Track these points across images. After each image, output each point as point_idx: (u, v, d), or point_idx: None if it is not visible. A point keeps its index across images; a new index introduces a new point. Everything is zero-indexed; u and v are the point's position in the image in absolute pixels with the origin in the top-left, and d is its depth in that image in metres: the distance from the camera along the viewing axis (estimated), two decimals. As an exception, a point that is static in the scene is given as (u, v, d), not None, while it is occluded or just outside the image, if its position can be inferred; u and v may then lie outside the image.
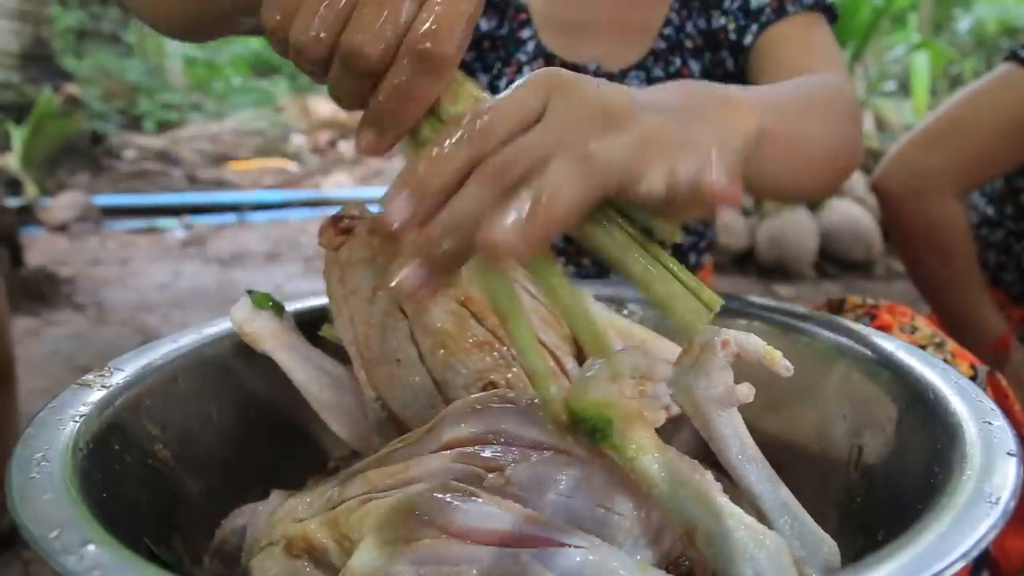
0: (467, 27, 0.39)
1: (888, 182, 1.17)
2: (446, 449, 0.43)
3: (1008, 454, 0.40)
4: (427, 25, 0.37)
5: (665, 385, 0.57)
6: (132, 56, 8.16)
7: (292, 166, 6.18)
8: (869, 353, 0.55)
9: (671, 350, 0.63)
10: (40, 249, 3.61)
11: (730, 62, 0.91)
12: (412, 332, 0.54)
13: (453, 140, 0.37)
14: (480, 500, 0.37)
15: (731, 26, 0.89)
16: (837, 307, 0.79)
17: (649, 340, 0.64)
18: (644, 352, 0.44)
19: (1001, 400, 0.69)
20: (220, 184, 5.54)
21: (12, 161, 4.57)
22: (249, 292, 0.61)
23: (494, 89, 0.92)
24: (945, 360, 0.69)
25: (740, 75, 0.91)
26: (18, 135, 4.55)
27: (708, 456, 0.63)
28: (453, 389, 0.55)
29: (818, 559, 0.42)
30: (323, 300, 0.61)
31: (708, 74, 0.92)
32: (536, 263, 0.40)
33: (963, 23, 7.43)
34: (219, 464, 0.59)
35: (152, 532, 0.46)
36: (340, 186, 5.43)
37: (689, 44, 0.92)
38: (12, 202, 3.90)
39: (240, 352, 0.61)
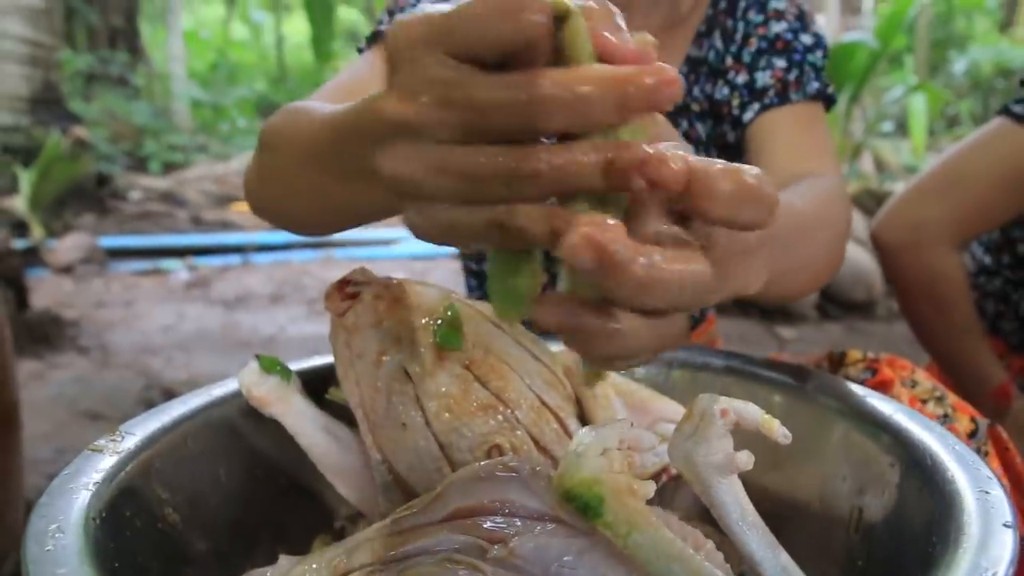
0: None
1: (886, 233, 1.19)
2: (452, 519, 0.43)
3: (1004, 525, 0.41)
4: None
5: (652, 455, 0.58)
6: (139, 99, 8.28)
7: (296, 207, 6.21)
8: (869, 415, 0.56)
9: (672, 409, 0.64)
10: (45, 291, 3.64)
11: (731, 135, 0.93)
12: (417, 396, 0.55)
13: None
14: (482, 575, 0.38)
15: (735, 101, 0.91)
16: (838, 361, 0.80)
17: (649, 399, 0.65)
18: (630, 423, 0.45)
19: (1002, 453, 0.69)
20: (225, 225, 5.59)
21: (20, 203, 4.62)
22: (257, 356, 0.62)
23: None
24: (945, 414, 0.70)
25: (738, 149, 0.93)
26: (26, 178, 4.60)
27: (709, 516, 0.64)
28: (458, 452, 0.56)
29: None
30: (329, 359, 0.62)
31: (712, 142, 0.94)
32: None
33: (959, 65, 7.53)
34: (227, 524, 0.60)
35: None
36: (343, 227, 5.46)
37: (696, 108, 0.94)
38: (19, 244, 3.92)
39: (248, 413, 0.62)
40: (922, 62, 6.91)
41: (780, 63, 0.90)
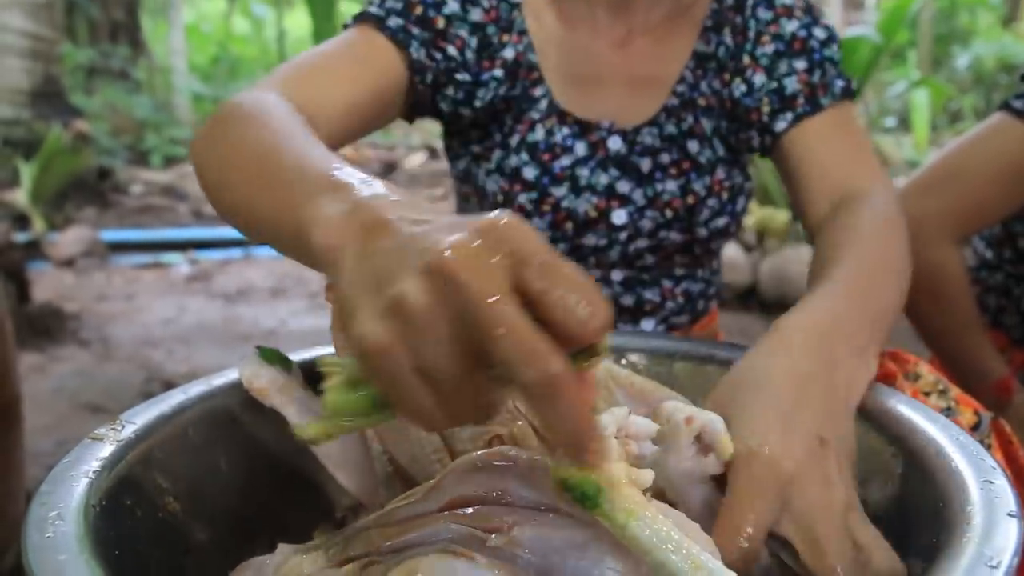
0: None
1: None
2: (449, 508, 0.43)
3: (1008, 515, 0.40)
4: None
5: (651, 444, 0.58)
6: (140, 92, 8.27)
7: (297, 201, 6.22)
8: (871, 407, 0.56)
9: (672, 399, 0.64)
10: (46, 284, 3.64)
11: (756, 140, 0.92)
12: (419, 386, 0.55)
13: None
14: (479, 565, 0.38)
15: (765, 108, 0.90)
16: (840, 355, 0.80)
17: (649, 389, 0.65)
18: (627, 412, 0.45)
19: (1006, 446, 0.69)
20: (226, 219, 5.58)
21: (21, 197, 4.62)
22: (258, 347, 0.62)
23: (506, 145, 0.93)
24: (948, 407, 0.70)
25: (765, 154, 0.93)
26: (27, 171, 4.60)
27: (717, 507, 0.64)
28: (459, 443, 0.55)
29: None
30: (330, 350, 0.62)
31: (724, 141, 0.94)
32: None
33: (962, 60, 7.52)
34: (227, 514, 0.59)
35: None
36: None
37: (702, 102, 0.93)
38: (20, 237, 3.93)
39: (248, 403, 0.62)
40: (925, 57, 6.90)
41: (801, 64, 0.89)
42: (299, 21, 12.37)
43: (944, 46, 7.60)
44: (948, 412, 0.69)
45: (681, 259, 0.97)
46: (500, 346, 0.33)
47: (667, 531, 0.37)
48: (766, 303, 3.34)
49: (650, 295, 0.97)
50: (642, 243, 0.93)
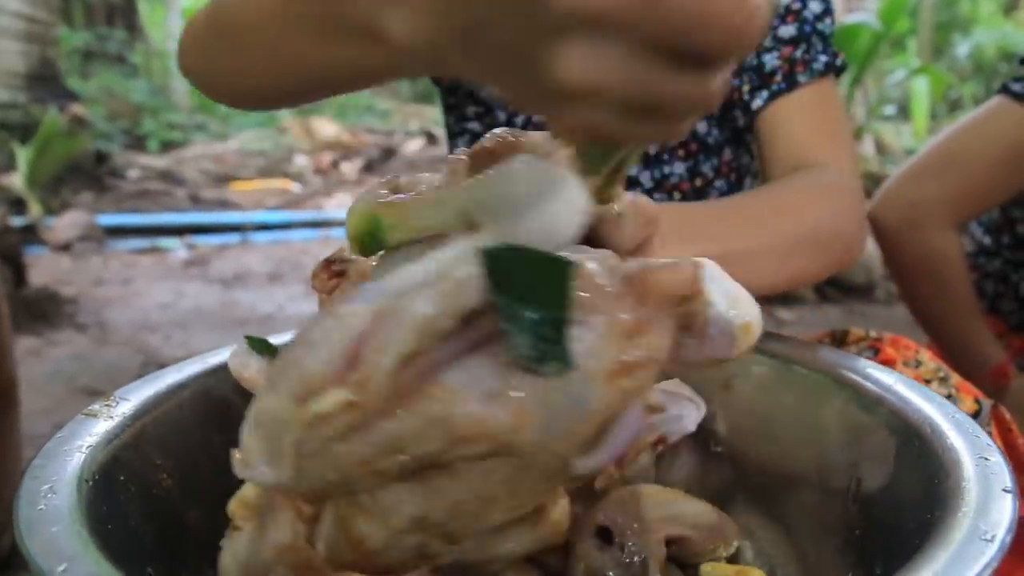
0: None
1: (884, 213, 1.18)
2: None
3: (1004, 490, 0.40)
4: None
5: (648, 425, 0.58)
6: (137, 76, 8.23)
7: (295, 187, 6.21)
8: (868, 385, 0.56)
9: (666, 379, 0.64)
10: (43, 268, 3.63)
11: (741, 120, 0.91)
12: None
13: None
14: None
15: (745, 87, 0.89)
16: (840, 339, 0.79)
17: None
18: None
19: (1005, 434, 0.69)
20: (223, 204, 5.57)
21: (17, 180, 4.60)
22: (247, 337, 0.62)
23: (512, 125, 0.91)
24: (949, 395, 0.70)
25: (748, 133, 0.92)
26: (23, 155, 4.58)
27: (706, 483, 0.64)
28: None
29: None
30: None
31: (719, 124, 0.93)
32: None
33: (962, 48, 7.49)
34: (221, 493, 0.59)
35: (157, 563, 0.46)
36: (343, 207, 5.46)
37: None
38: (16, 221, 3.92)
39: (243, 381, 0.62)
40: (925, 45, 6.87)
41: (789, 32, 0.88)
42: (297, 6, 12.25)
43: (945, 34, 7.57)
44: (948, 399, 0.69)
45: None
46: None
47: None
48: (764, 290, 3.34)
49: None
50: None
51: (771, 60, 0.88)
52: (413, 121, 9.11)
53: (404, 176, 0.47)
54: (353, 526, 0.34)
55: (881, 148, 5.85)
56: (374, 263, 0.46)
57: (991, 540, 0.36)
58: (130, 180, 5.84)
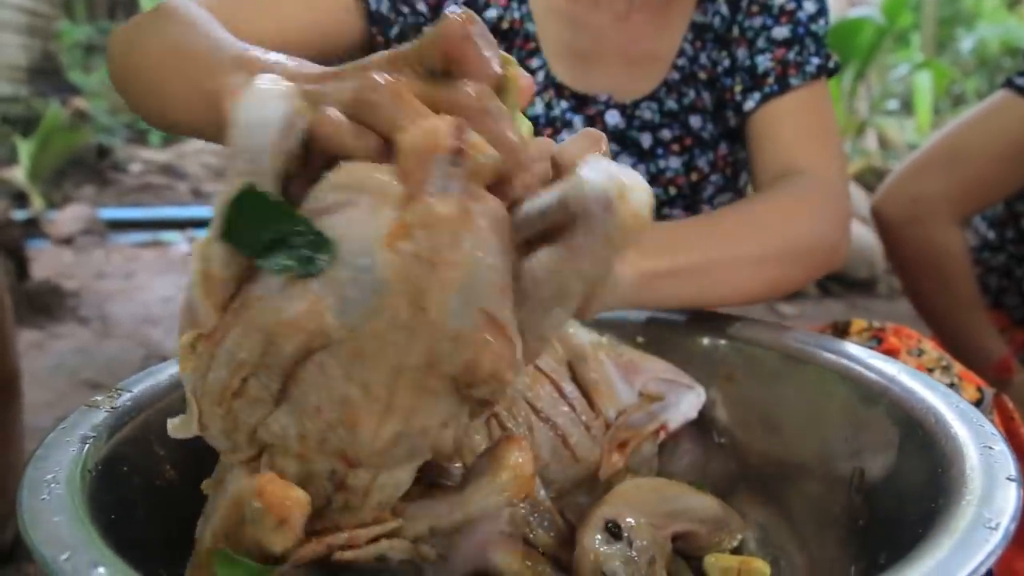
0: None
1: (887, 208, 1.18)
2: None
3: (1008, 479, 0.40)
4: None
5: (648, 415, 0.57)
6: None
7: (296, 181, 6.20)
8: (870, 376, 0.56)
9: (662, 367, 0.64)
10: (45, 262, 3.63)
11: (733, 120, 0.91)
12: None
13: None
14: None
15: (737, 87, 0.89)
16: (843, 330, 0.79)
17: (639, 359, 0.65)
18: None
19: (1007, 423, 0.69)
20: (225, 198, 5.56)
21: (19, 174, 4.60)
22: None
23: None
24: (952, 384, 0.70)
25: (739, 134, 0.92)
26: (25, 148, 4.58)
27: (708, 474, 0.64)
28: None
29: None
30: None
31: (713, 120, 0.92)
32: None
33: (966, 42, 7.47)
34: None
35: (159, 554, 0.46)
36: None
37: (703, 75, 0.92)
38: (18, 215, 3.92)
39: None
40: (928, 40, 6.84)
41: (782, 34, 0.88)
42: (299, 0, 12.24)
43: (948, 28, 7.53)
44: (951, 388, 0.69)
45: None
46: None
47: None
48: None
49: None
50: None
51: (764, 62, 0.88)
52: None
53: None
54: (275, 466, 0.39)
55: (884, 143, 5.83)
56: None
57: (995, 528, 0.36)
58: (132, 174, 5.84)
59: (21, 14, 5.56)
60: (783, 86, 0.87)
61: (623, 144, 0.91)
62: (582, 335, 0.63)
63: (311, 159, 0.39)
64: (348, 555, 0.40)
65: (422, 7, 0.86)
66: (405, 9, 0.85)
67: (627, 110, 0.91)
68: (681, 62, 0.92)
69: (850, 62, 4.66)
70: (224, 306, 0.38)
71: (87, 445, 0.47)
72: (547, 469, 0.52)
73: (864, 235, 3.33)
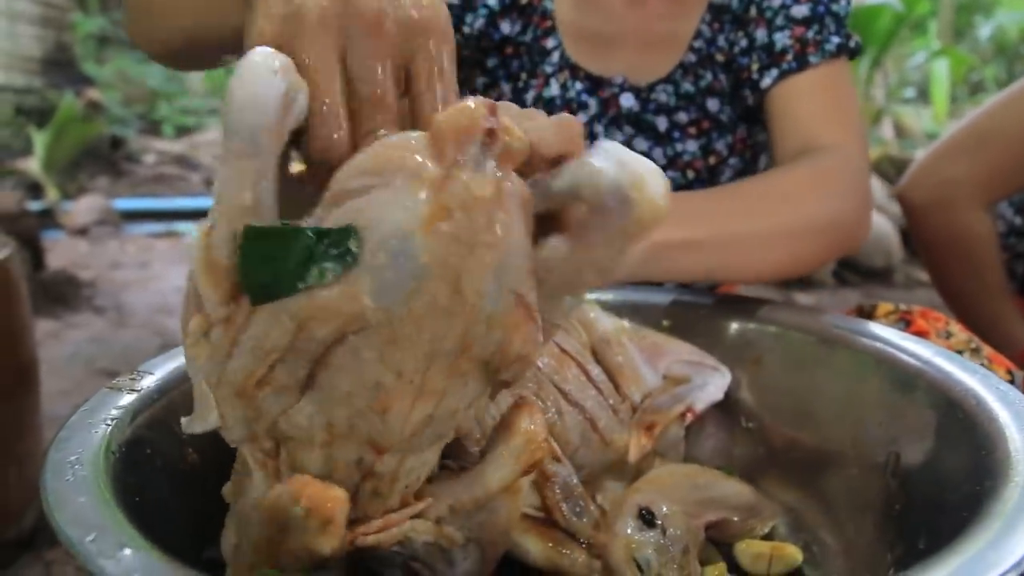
0: None
1: (914, 192, 1.16)
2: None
3: (1055, 462, 0.39)
4: None
5: (673, 397, 0.56)
6: (152, 62, 8.23)
7: (309, 171, 6.20)
8: (906, 359, 0.54)
9: (686, 350, 0.63)
10: (61, 252, 3.65)
11: (750, 98, 0.89)
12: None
13: None
14: None
15: (754, 66, 0.87)
16: (869, 314, 0.78)
17: (662, 341, 0.64)
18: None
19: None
20: (238, 189, 5.57)
21: (34, 165, 4.62)
22: None
23: (520, 101, 0.91)
24: (982, 365, 0.69)
25: (758, 113, 0.90)
26: (40, 139, 4.59)
27: (734, 459, 0.63)
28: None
29: None
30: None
31: (731, 103, 0.91)
32: None
33: (984, 30, 7.38)
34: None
35: (183, 536, 0.46)
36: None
37: (720, 58, 0.90)
38: (34, 206, 3.93)
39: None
40: (946, 27, 6.77)
41: (801, 12, 0.86)
42: (310, -9, 12.22)
43: (966, 16, 7.45)
44: (980, 371, 0.68)
45: None
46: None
47: None
48: (782, 274, 3.31)
49: None
50: None
51: (782, 39, 0.86)
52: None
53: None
54: (296, 460, 0.38)
55: (901, 131, 5.78)
56: None
57: (1047, 511, 0.35)
58: (146, 165, 5.86)
59: (35, 5, 5.58)
60: (801, 63, 0.85)
61: (638, 127, 0.90)
62: (605, 320, 0.62)
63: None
64: (370, 539, 0.40)
65: None
66: None
67: (642, 93, 0.90)
68: (698, 44, 0.90)
69: (867, 49, 4.61)
70: (232, 293, 0.36)
71: (110, 427, 0.46)
72: (576, 453, 0.51)
73: (881, 224, 3.30)
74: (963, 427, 0.46)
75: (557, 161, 0.38)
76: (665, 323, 0.68)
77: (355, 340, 0.35)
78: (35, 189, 4.50)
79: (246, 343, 0.36)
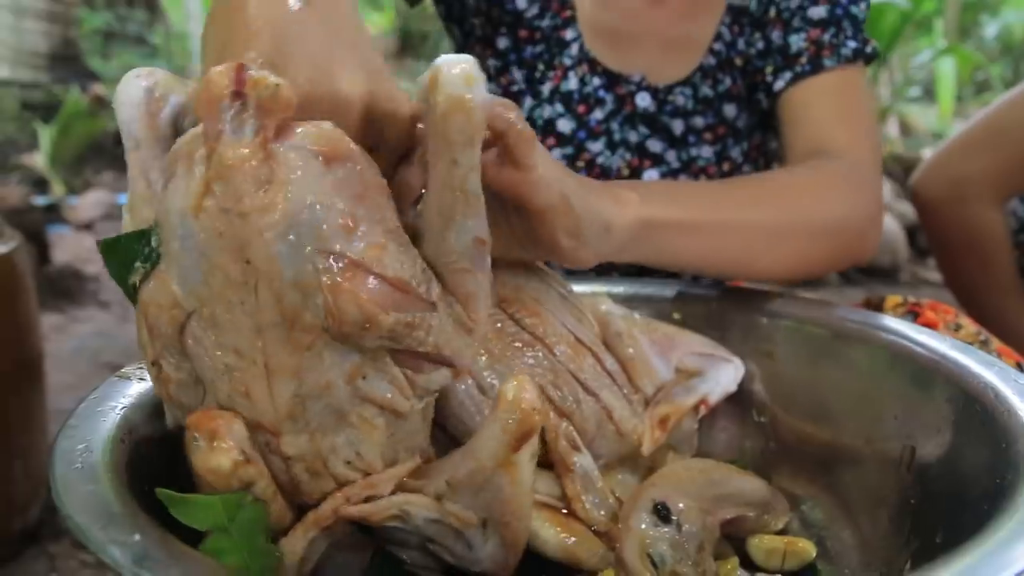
0: None
1: (927, 188, 1.15)
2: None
3: (1078, 455, 0.39)
4: None
5: (687, 389, 0.56)
6: (157, 57, 8.24)
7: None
8: (922, 352, 0.54)
9: (697, 341, 0.62)
10: (66, 247, 3.64)
11: (765, 103, 0.87)
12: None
13: None
14: None
15: (769, 69, 0.86)
16: (877, 306, 0.77)
17: (673, 333, 0.63)
18: None
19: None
20: (243, 185, 5.57)
21: (40, 160, 4.62)
22: None
23: (534, 92, 0.90)
24: (991, 358, 0.68)
25: (772, 119, 0.88)
26: (46, 134, 4.59)
27: (745, 452, 0.62)
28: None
29: None
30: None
31: (747, 108, 0.90)
32: None
33: (990, 28, 7.35)
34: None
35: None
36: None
37: (739, 61, 0.88)
38: (39, 200, 3.93)
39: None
40: (952, 25, 6.74)
41: (819, 13, 0.84)
42: (315, -13, 12.20)
43: (972, 14, 7.42)
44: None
45: None
46: None
47: None
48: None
49: None
50: None
51: (797, 41, 0.84)
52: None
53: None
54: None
55: (906, 130, 5.76)
56: None
57: (1071, 503, 0.34)
58: (151, 161, 5.85)
59: (41, 1, 5.58)
60: (816, 66, 0.83)
61: (653, 128, 0.89)
62: (616, 312, 0.62)
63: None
64: (354, 511, 0.39)
65: None
66: None
67: (659, 94, 0.88)
68: (718, 47, 0.89)
69: (877, 55, 4.58)
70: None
71: (119, 415, 0.46)
72: (592, 443, 0.51)
73: (887, 223, 3.29)
74: (981, 421, 0.46)
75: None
76: (675, 316, 0.68)
77: (192, 328, 0.37)
78: (41, 184, 4.50)
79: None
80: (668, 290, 0.69)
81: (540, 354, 0.52)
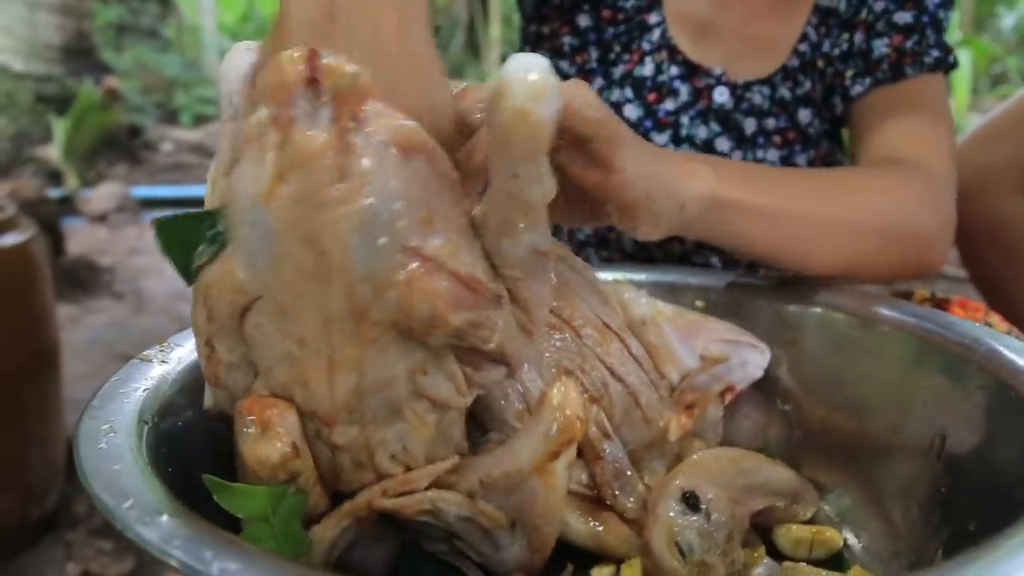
0: None
1: None
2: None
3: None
4: None
5: (712, 376, 0.55)
6: (170, 50, 8.27)
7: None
8: (954, 339, 0.53)
9: (723, 328, 0.62)
10: (80, 239, 3.66)
11: (839, 107, 0.85)
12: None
13: None
14: None
15: (849, 72, 0.83)
16: (904, 300, 0.76)
17: (699, 320, 0.62)
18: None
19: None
20: (255, 177, 5.58)
21: (54, 153, 4.64)
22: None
23: (606, 75, 0.87)
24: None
25: (843, 124, 0.86)
26: (60, 127, 4.61)
27: (769, 441, 0.62)
28: (529, 380, 0.53)
29: None
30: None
31: (820, 113, 0.87)
32: None
33: (1007, 20, 7.29)
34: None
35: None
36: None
37: (821, 64, 0.86)
38: (53, 193, 3.95)
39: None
40: (968, 17, 6.69)
41: (904, 19, 0.81)
42: (327, -20, 12.17)
43: (988, 6, 7.35)
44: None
45: None
46: None
47: None
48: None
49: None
50: None
51: (880, 47, 0.81)
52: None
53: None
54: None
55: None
56: None
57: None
58: (163, 153, 5.88)
59: (55, -7, 5.59)
60: (897, 74, 0.80)
61: (726, 125, 0.86)
62: (639, 300, 0.61)
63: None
64: (388, 503, 0.39)
65: None
66: None
67: (738, 90, 0.86)
68: (803, 47, 0.86)
69: (957, 66, 4.54)
70: None
71: (142, 396, 0.46)
72: (619, 429, 0.50)
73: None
74: (1016, 409, 0.45)
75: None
76: (698, 303, 0.67)
77: (253, 314, 0.37)
78: (55, 176, 4.52)
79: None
80: (692, 278, 0.69)
81: (568, 336, 0.51)
